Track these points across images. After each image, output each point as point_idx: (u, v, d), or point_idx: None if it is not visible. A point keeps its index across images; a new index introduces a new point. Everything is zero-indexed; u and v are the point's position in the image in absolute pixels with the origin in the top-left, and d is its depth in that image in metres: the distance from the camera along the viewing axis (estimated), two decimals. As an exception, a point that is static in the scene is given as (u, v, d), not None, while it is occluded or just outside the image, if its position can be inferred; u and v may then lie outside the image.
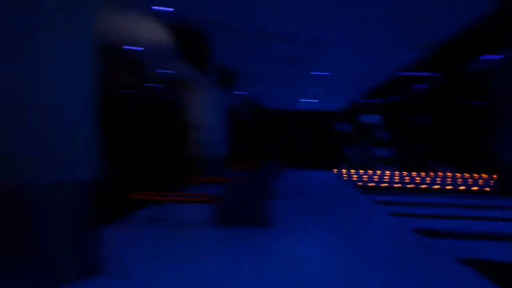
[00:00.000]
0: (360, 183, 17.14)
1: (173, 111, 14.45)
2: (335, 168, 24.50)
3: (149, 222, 7.50)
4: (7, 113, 4.12)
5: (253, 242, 6.33)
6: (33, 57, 4.23)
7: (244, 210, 7.29)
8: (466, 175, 21.60)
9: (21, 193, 4.15)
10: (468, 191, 15.29)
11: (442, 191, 15.35)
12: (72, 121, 4.48)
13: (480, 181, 18.73)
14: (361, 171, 24.53)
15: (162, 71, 12.88)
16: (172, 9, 7.66)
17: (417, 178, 19.78)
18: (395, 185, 16.81)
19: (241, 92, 18.94)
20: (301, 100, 22.05)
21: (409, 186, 16.61)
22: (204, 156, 14.66)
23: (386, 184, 17.11)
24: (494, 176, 15.22)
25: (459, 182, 18.01)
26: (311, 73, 14.26)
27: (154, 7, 7.43)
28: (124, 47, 9.91)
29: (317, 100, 22.07)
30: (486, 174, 21.11)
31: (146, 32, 9.04)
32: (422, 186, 16.47)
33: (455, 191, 15.36)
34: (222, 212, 7.32)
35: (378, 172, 23.92)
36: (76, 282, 4.41)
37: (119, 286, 4.39)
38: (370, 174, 22.58)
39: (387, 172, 23.56)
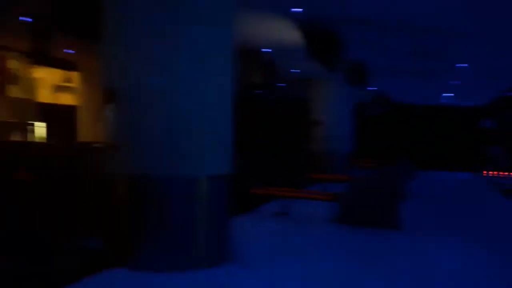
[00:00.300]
0: (506, 187, 15.29)
1: (300, 108, 14.70)
2: (476, 170, 22.20)
3: (273, 216, 7.82)
4: (158, 113, 4.70)
5: (379, 243, 6.19)
6: (184, 59, 4.71)
7: (370, 210, 7.14)
8: None
9: (165, 184, 4.73)
10: None
11: None
12: (213, 120, 4.93)
13: None
14: (507, 173, 21.79)
15: (292, 70, 13.18)
16: (301, 10, 7.81)
17: None
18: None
19: (371, 88, 18.34)
20: (438, 94, 20.45)
21: None
22: (329, 153, 14.62)
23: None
24: None
25: None
26: (449, 66, 13.15)
27: (290, 9, 7.65)
28: (257, 48, 10.42)
29: (453, 94, 20.22)
30: None
31: (278, 32, 9.38)
32: None
33: None
34: (346, 211, 7.28)
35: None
36: (209, 268, 4.85)
37: (246, 274, 4.72)
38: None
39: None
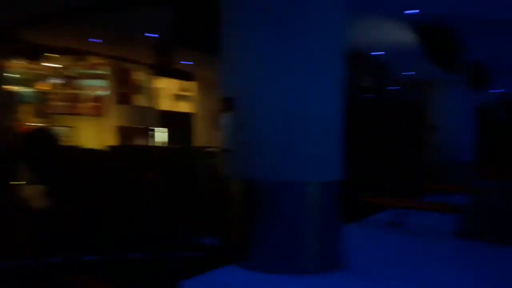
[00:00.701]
0: None
1: (414, 113, 13.91)
2: None
3: (386, 226, 7.49)
4: (273, 121, 4.81)
5: (510, 261, 5.57)
6: (299, 69, 4.80)
7: (500, 224, 6.45)
8: None
9: (278, 189, 4.80)
10: None
11: None
12: (326, 127, 4.92)
13: None
14: None
15: (405, 73, 12.58)
16: (418, 11, 7.42)
17: None
18: None
19: (496, 90, 16.65)
20: None
21: None
22: (446, 161, 13.56)
23: None
24: None
25: None
26: None
27: (406, 12, 7.35)
28: (367, 51, 10.16)
29: None
30: None
31: (390, 35, 9.03)
32: None
33: None
34: (471, 225, 6.67)
35: None
36: (318, 274, 4.79)
37: (357, 284, 4.58)
38: None
39: None
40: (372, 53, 10.26)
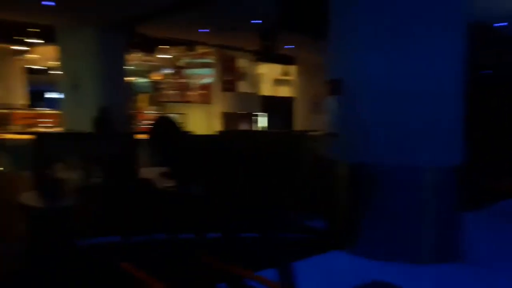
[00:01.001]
0: None
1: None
2: None
3: (510, 215, 6.81)
4: (383, 104, 4.61)
5: None
6: (410, 50, 4.51)
7: None
8: None
9: (387, 174, 4.58)
10: None
11: None
12: (441, 108, 4.58)
13: None
14: None
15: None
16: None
17: None
18: None
19: None
20: None
21: None
22: None
23: None
24: None
25: None
26: None
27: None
28: (488, 22, 9.24)
29: None
30: None
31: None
32: None
33: None
34: None
35: None
36: (432, 263, 4.53)
37: (475, 277, 4.25)
38: None
39: None
40: (495, 24, 9.27)
